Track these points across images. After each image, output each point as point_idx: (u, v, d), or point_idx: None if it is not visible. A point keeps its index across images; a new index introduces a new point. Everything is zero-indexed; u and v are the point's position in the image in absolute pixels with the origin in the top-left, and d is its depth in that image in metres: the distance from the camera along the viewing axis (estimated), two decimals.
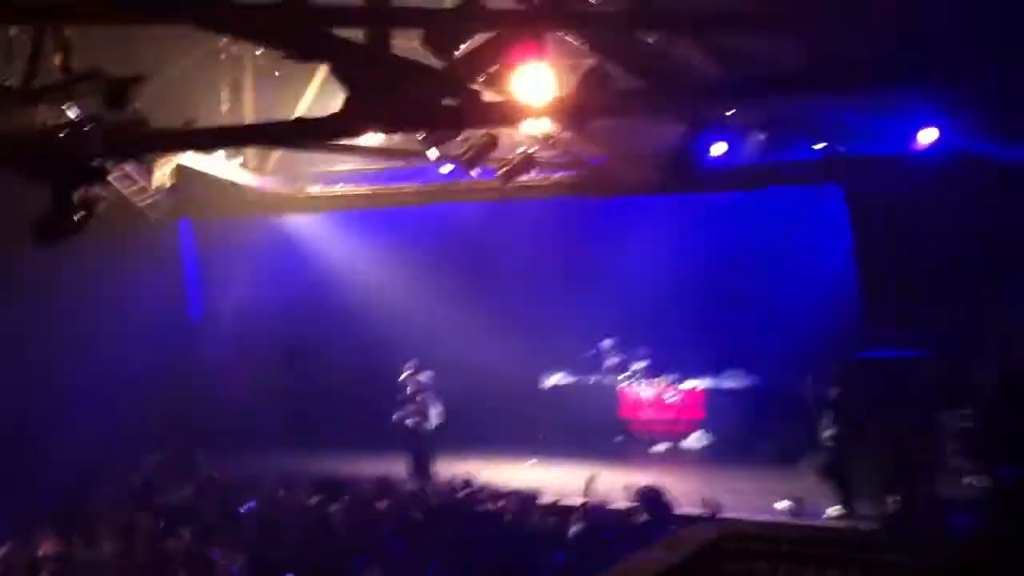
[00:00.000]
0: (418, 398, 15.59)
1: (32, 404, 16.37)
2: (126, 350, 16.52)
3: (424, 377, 15.70)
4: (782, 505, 12.68)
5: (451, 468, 14.78)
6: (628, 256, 17.69)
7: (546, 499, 12.57)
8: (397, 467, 15.01)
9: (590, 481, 12.20)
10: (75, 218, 9.86)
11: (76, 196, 9.76)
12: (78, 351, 16.42)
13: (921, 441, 12.62)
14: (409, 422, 15.58)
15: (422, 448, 15.52)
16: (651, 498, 11.43)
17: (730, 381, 17.61)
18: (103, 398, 16.53)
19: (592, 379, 18.62)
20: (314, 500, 12.76)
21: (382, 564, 9.59)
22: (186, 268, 17.96)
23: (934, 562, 6.08)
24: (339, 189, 16.91)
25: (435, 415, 15.61)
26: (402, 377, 15.75)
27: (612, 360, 18.61)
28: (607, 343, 18.66)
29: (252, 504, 12.74)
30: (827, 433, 12.79)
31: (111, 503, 12.99)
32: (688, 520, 11.13)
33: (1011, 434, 12.46)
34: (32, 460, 15.11)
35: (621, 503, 11.94)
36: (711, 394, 17.54)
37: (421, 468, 15.26)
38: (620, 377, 18.43)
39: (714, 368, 17.87)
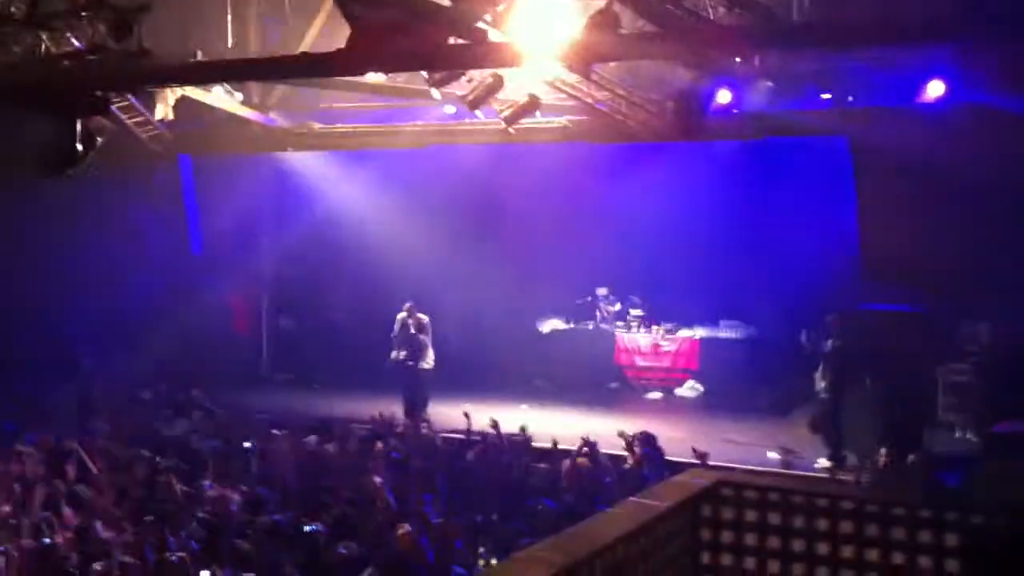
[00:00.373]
0: (414, 338, 15.59)
1: (31, 335, 16.44)
2: (126, 282, 16.57)
3: (421, 318, 15.70)
4: (773, 455, 12.78)
5: (447, 411, 14.85)
6: (629, 203, 17.62)
7: (540, 443, 12.63)
8: (393, 407, 15.03)
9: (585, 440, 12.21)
10: (77, 149, 9.87)
11: (79, 127, 9.77)
12: (78, 282, 16.47)
13: (915, 395, 12.67)
14: (405, 362, 15.61)
15: (417, 388, 15.58)
16: (645, 444, 11.52)
17: (727, 331, 17.67)
18: (102, 329, 16.61)
19: (589, 325, 18.69)
20: (311, 439, 12.87)
21: (377, 503, 9.69)
22: (187, 203, 17.87)
23: (922, 515, 6.12)
24: (341, 127, 16.79)
25: (430, 355, 15.63)
26: (398, 317, 15.74)
27: (609, 307, 18.67)
28: (604, 290, 18.70)
29: (251, 442, 12.83)
30: (821, 385, 12.87)
31: (106, 434, 13.05)
32: (680, 467, 11.25)
33: (1007, 390, 12.53)
34: (30, 389, 15.19)
35: (615, 449, 12.04)
36: (707, 343, 17.60)
37: (416, 408, 15.32)
38: (617, 324, 18.51)
39: (712, 317, 17.94)
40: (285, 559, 8.53)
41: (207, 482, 10.61)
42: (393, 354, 15.67)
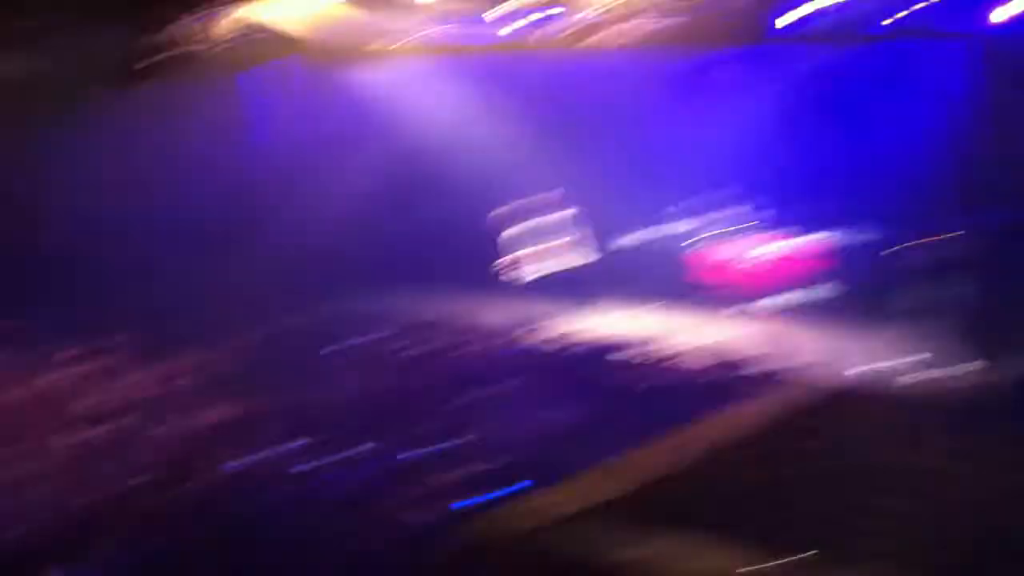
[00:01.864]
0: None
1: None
2: (182, 212, 16.06)
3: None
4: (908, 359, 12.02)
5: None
6: (741, 104, 16.89)
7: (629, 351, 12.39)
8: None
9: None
10: (143, 64, 9.44)
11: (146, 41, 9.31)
12: (132, 202, 15.99)
13: None
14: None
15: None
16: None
17: (855, 236, 16.69)
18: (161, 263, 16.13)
19: (709, 231, 17.74)
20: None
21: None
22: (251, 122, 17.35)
23: None
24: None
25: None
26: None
27: (726, 213, 17.84)
28: (718, 196, 17.95)
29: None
30: (957, 293, 12.21)
31: None
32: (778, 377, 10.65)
33: None
34: None
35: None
36: (834, 249, 16.60)
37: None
38: (728, 230, 17.56)
39: (843, 221, 16.94)
40: None
41: None
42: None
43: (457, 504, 8.25)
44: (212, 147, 16.28)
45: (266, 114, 17.30)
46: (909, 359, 12.01)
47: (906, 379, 11.47)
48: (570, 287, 16.44)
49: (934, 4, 12.41)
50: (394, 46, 16.21)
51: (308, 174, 17.40)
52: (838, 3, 11.70)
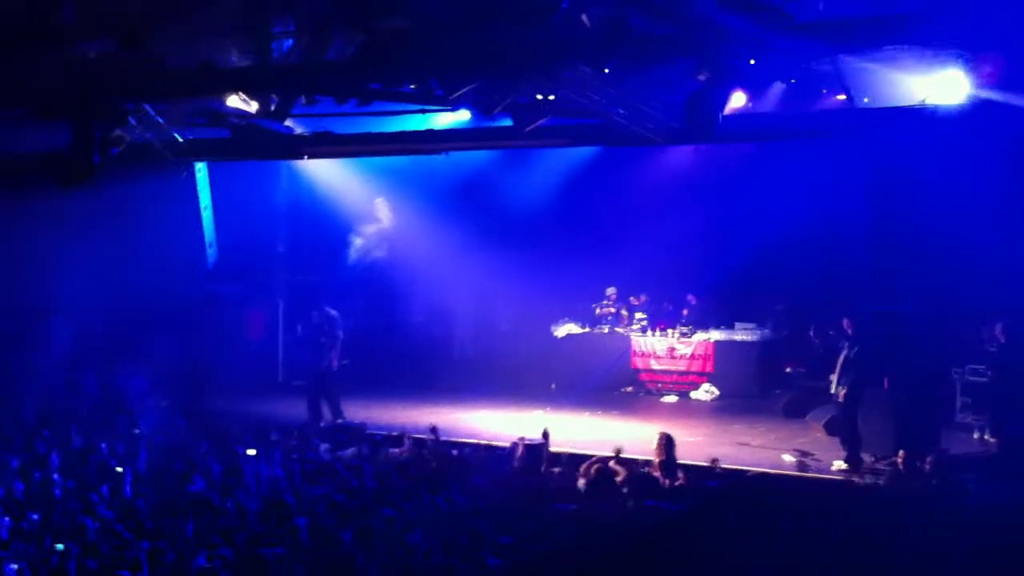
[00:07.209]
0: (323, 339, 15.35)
1: (38, 342, 16.33)
2: (138, 291, 16.52)
3: (323, 315, 15.46)
4: (789, 458, 12.73)
5: (459, 416, 14.92)
6: (644, 206, 17.70)
7: (556, 449, 12.58)
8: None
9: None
10: (92, 159, 9.91)
11: (94, 136, 9.80)
12: (89, 293, 16.43)
13: (931, 396, 12.62)
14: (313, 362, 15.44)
15: (322, 389, 15.38)
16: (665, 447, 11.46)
17: (742, 334, 17.61)
18: (114, 340, 16.53)
19: (604, 329, 18.63)
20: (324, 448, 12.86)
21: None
22: (202, 210, 17.88)
23: (938, 517, 6.12)
24: (357, 134, 16.73)
25: (335, 355, 15.37)
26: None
27: (624, 310, 18.61)
28: (612, 290, 18.70)
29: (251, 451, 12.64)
30: (838, 387, 12.79)
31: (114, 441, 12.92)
32: (695, 471, 11.21)
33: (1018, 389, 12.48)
34: (35, 402, 15.10)
35: (630, 454, 12.00)
36: (722, 346, 17.54)
37: (316, 410, 15.18)
38: (632, 328, 18.46)
39: (727, 320, 17.90)
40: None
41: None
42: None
43: None
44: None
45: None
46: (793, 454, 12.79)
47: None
48: None
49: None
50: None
51: None
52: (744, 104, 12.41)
